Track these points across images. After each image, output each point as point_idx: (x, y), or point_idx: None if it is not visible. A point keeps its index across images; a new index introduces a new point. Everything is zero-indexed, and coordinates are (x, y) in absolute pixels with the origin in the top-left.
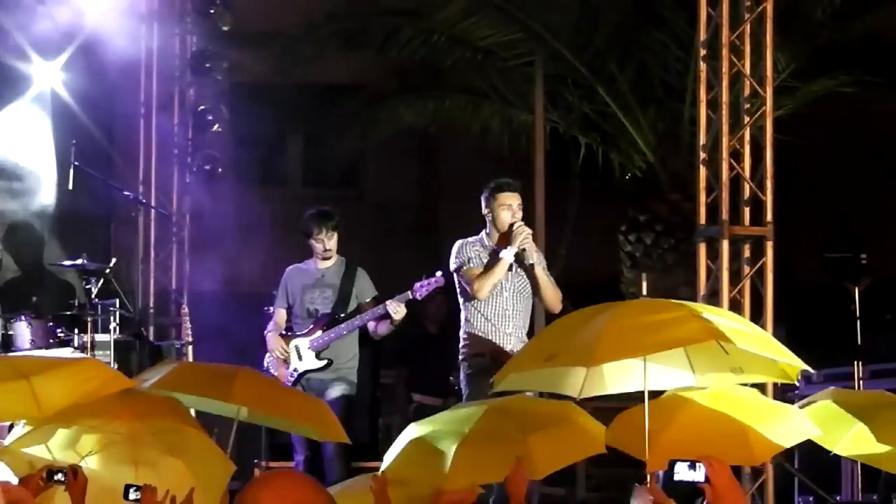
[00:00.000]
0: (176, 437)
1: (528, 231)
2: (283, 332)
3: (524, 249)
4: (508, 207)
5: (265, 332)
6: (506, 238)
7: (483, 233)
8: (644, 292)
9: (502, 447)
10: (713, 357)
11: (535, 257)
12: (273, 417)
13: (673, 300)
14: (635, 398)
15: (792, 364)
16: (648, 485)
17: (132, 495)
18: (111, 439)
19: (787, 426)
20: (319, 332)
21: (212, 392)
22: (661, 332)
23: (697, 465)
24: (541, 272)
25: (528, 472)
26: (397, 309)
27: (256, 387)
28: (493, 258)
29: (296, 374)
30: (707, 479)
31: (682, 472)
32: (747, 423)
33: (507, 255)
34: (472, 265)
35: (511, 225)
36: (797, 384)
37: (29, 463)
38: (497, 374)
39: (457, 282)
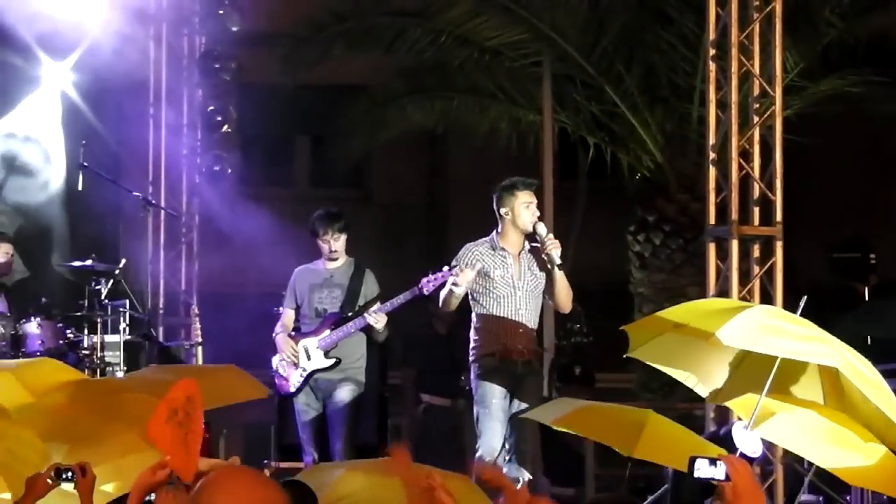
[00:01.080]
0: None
1: (559, 245)
2: (291, 333)
3: (549, 255)
4: (529, 206)
5: (274, 333)
6: (522, 238)
7: (494, 232)
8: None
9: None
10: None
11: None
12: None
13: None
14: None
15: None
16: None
17: (66, 475)
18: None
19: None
20: (327, 332)
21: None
22: (792, 340)
23: (718, 462)
24: (562, 275)
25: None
26: (378, 318)
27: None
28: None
29: (305, 374)
30: (727, 477)
31: (703, 469)
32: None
33: (456, 289)
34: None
35: (535, 227)
36: None
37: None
38: (630, 332)
39: None
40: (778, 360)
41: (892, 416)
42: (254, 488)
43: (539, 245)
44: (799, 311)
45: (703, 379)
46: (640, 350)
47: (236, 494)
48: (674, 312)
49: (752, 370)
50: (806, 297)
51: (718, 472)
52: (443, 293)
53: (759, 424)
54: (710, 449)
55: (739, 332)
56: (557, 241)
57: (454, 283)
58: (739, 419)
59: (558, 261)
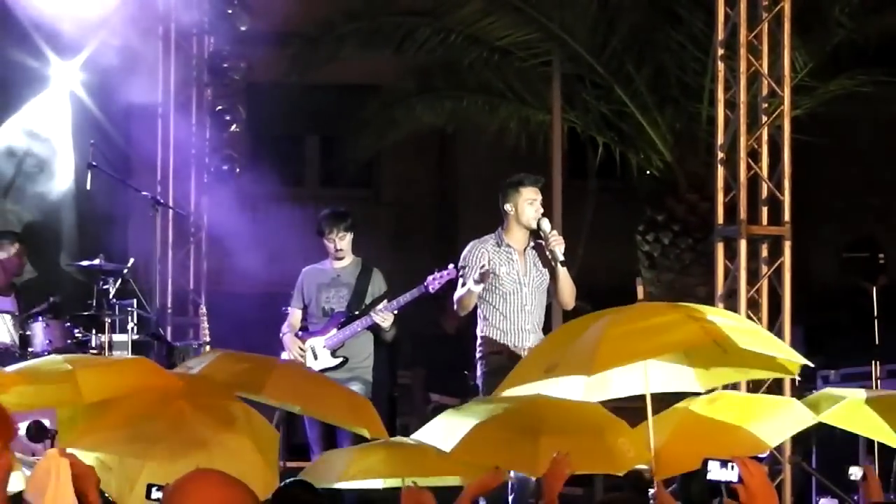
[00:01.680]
0: (223, 411)
1: (563, 241)
2: (299, 332)
3: (552, 251)
4: (533, 202)
5: (281, 332)
6: (527, 234)
7: (499, 229)
8: (640, 297)
9: (516, 437)
10: (712, 356)
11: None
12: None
13: (669, 303)
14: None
15: (791, 359)
16: (657, 490)
17: (154, 494)
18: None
19: (785, 418)
20: (334, 331)
21: (244, 387)
22: (659, 336)
23: (730, 464)
24: (565, 272)
25: (568, 468)
26: (384, 317)
27: (292, 381)
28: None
29: None
30: (741, 479)
31: (715, 471)
32: (743, 423)
33: (474, 287)
34: (469, 275)
35: (539, 223)
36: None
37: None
38: (497, 387)
39: None
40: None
41: (771, 350)
42: (221, 487)
43: (543, 243)
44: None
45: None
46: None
47: (205, 493)
48: (539, 357)
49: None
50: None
51: (731, 475)
52: (459, 292)
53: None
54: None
55: (610, 357)
56: (561, 238)
57: (475, 280)
58: None
59: (561, 257)
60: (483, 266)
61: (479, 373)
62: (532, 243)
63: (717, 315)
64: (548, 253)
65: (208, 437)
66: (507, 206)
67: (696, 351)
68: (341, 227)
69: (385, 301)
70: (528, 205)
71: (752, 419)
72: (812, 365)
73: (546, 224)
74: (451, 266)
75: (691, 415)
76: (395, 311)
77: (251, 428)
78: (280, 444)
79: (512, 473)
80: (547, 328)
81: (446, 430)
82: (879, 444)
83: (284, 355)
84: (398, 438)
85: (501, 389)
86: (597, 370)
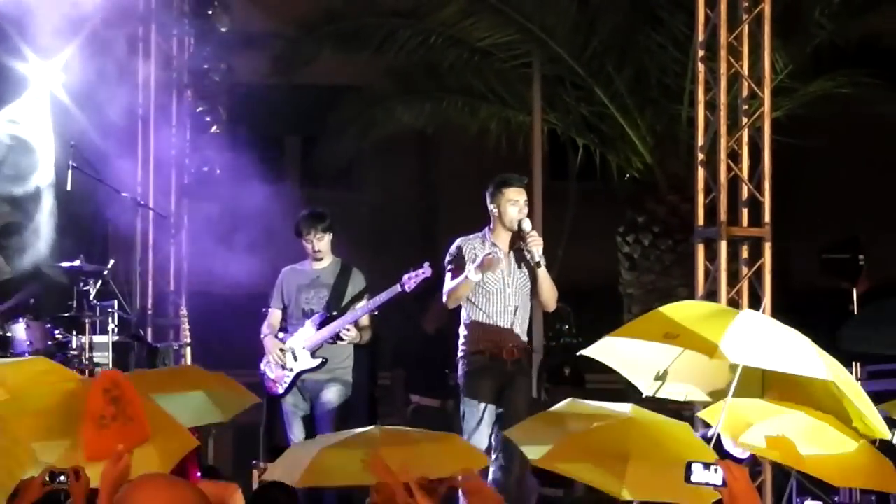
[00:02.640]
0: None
1: (541, 241)
2: (279, 334)
3: (530, 251)
4: (515, 203)
5: (261, 334)
6: (511, 235)
7: (486, 229)
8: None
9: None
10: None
11: (542, 258)
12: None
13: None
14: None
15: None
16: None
17: (60, 479)
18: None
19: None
20: (313, 332)
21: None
22: (788, 353)
23: (714, 467)
24: (544, 273)
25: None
26: (348, 334)
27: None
28: (465, 270)
29: (292, 375)
30: (724, 482)
31: (699, 474)
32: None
33: (473, 276)
34: (459, 266)
35: (520, 223)
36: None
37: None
38: (612, 333)
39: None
40: (740, 367)
41: (865, 410)
42: (169, 488)
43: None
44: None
45: (646, 376)
46: (599, 350)
47: (151, 494)
48: (654, 325)
49: (712, 373)
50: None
51: (715, 478)
52: (455, 281)
53: (737, 434)
54: (701, 449)
55: (737, 349)
56: (540, 239)
57: (476, 268)
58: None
59: (538, 258)
60: (489, 253)
61: (460, 372)
62: (518, 244)
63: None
64: (526, 253)
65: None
66: (492, 207)
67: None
68: (319, 227)
69: (363, 300)
70: (510, 205)
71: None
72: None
73: (527, 224)
74: (426, 265)
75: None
76: (375, 311)
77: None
78: (260, 445)
79: (490, 477)
80: (531, 330)
81: (538, 431)
82: None
83: (264, 359)
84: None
85: (613, 336)
86: (719, 356)
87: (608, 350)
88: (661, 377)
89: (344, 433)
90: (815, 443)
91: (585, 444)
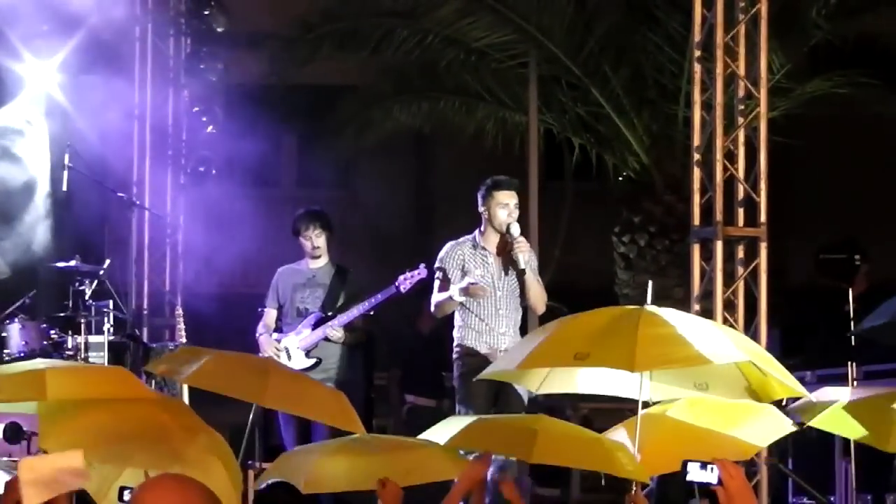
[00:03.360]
0: (200, 433)
1: (529, 248)
2: (274, 334)
3: (516, 257)
4: (506, 206)
5: (256, 333)
6: (502, 238)
7: (476, 231)
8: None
9: (514, 428)
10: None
11: (529, 262)
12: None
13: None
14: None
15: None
16: (634, 494)
17: (126, 496)
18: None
19: (764, 424)
20: (308, 331)
21: (245, 392)
22: (704, 344)
23: (710, 466)
24: (531, 276)
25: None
26: (335, 332)
27: (285, 385)
28: (448, 286)
29: None
30: (720, 481)
31: (694, 473)
32: (723, 428)
33: (457, 297)
34: (450, 276)
35: (509, 227)
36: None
37: None
38: (522, 361)
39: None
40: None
41: (783, 377)
42: (180, 490)
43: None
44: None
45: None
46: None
47: (163, 495)
48: (567, 341)
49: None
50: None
51: (711, 476)
52: (438, 297)
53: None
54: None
55: (654, 356)
56: (527, 245)
57: (460, 290)
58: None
59: (523, 264)
60: (474, 283)
61: (455, 374)
62: (508, 247)
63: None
64: (513, 257)
65: (187, 453)
66: (482, 209)
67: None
68: (318, 224)
69: (359, 301)
70: (500, 209)
71: (733, 425)
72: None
73: (515, 229)
74: (421, 266)
75: (669, 419)
76: (371, 312)
77: (221, 454)
78: (257, 446)
79: (489, 477)
80: (523, 331)
81: (445, 429)
82: (856, 443)
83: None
84: (370, 437)
85: (528, 368)
86: (639, 369)
87: (554, 384)
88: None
89: (334, 441)
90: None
91: (494, 425)
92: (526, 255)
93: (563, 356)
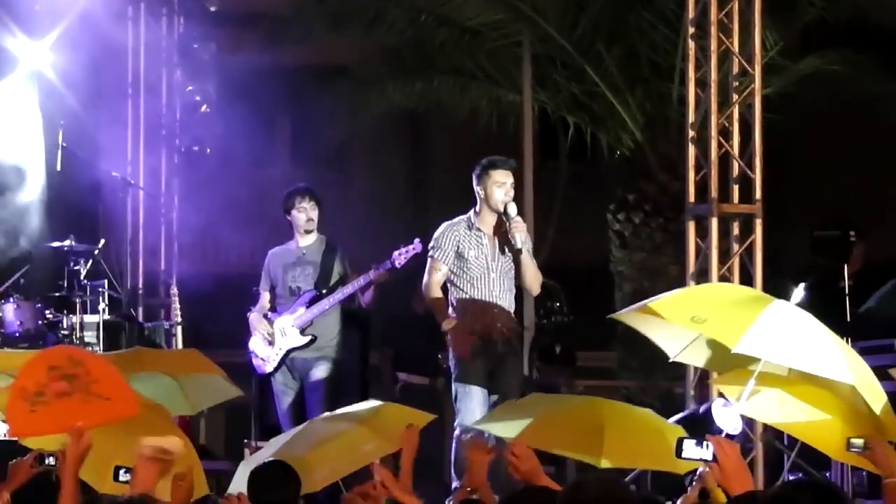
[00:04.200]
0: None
1: (525, 228)
2: (267, 313)
3: (513, 237)
4: (502, 185)
5: (249, 313)
6: (497, 218)
7: (472, 212)
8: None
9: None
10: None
11: (525, 243)
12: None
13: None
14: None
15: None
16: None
17: (122, 477)
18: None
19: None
20: (303, 310)
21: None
22: (810, 352)
23: (706, 443)
24: (527, 257)
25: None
26: (378, 276)
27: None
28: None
29: (281, 353)
30: (715, 458)
31: (690, 450)
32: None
33: (444, 326)
34: (441, 258)
35: (506, 207)
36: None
37: None
38: (647, 305)
39: None
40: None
41: (883, 415)
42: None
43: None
44: (795, 301)
45: (675, 342)
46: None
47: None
48: (679, 307)
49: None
50: (804, 285)
51: (706, 453)
52: (431, 289)
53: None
54: (671, 432)
55: (758, 343)
56: (524, 224)
57: (443, 328)
58: (721, 395)
59: (520, 244)
60: (450, 323)
61: (450, 354)
62: (503, 227)
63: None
64: (510, 237)
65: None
66: (478, 189)
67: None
68: (312, 197)
69: (352, 276)
70: (496, 188)
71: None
72: None
73: (512, 209)
74: (416, 241)
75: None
76: (365, 288)
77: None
78: (253, 425)
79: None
80: (519, 308)
81: (508, 417)
82: None
83: (252, 338)
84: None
85: (638, 311)
86: (740, 349)
87: (632, 317)
88: (690, 344)
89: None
90: (823, 415)
91: (560, 420)
92: (523, 234)
93: (682, 314)
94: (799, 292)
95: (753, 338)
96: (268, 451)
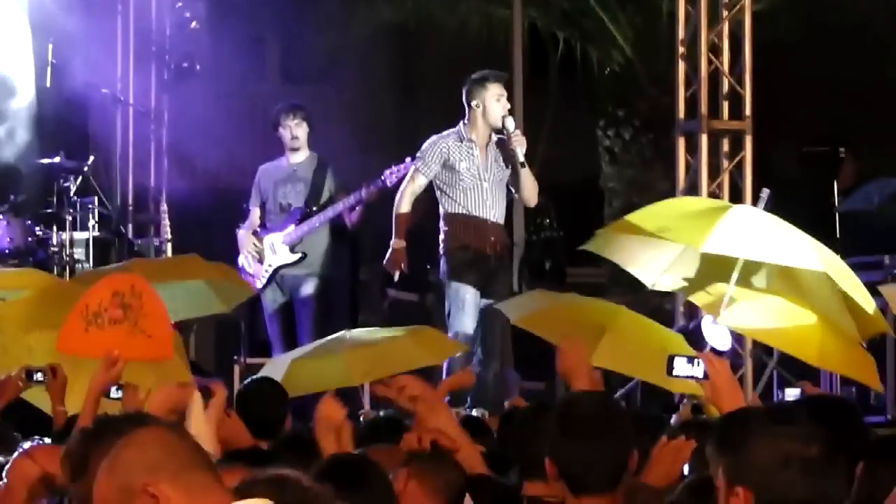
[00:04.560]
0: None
1: (524, 141)
2: (257, 229)
3: (514, 151)
4: (500, 99)
5: (237, 230)
6: (488, 130)
7: (461, 124)
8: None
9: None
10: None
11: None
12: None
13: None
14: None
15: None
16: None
17: (114, 394)
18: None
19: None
20: (292, 227)
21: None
22: (778, 244)
23: (696, 360)
24: (527, 171)
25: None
26: (370, 194)
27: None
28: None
29: (271, 270)
30: (706, 375)
31: (680, 367)
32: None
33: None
34: (423, 169)
35: (504, 121)
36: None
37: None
38: (605, 229)
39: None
40: (740, 262)
41: (867, 306)
42: (168, 444)
43: (505, 139)
44: (762, 206)
45: (660, 269)
46: (598, 245)
47: (146, 452)
48: (648, 219)
49: (713, 264)
50: (768, 191)
51: (697, 371)
52: (401, 208)
53: (724, 313)
54: (677, 343)
55: (725, 241)
56: (523, 138)
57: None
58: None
59: (521, 158)
60: (399, 266)
61: (443, 269)
62: (495, 139)
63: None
64: (510, 151)
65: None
66: (474, 102)
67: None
68: (298, 114)
69: (343, 194)
70: (495, 101)
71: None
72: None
73: (511, 123)
74: (408, 160)
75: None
76: (355, 206)
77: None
78: (242, 342)
79: (475, 369)
80: (508, 224)
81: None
82: None
83: (241, 255)
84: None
85: (613, 229)
86: (707, 248)
87: (605, 244)
88: (665, 270)
89: (312, 345)
90: (799, 322)
91: (568, 313)
92: (524, 148)
93: (647, 226)
94: (763, 198)
95: (719, 237)
96: (298, 352)
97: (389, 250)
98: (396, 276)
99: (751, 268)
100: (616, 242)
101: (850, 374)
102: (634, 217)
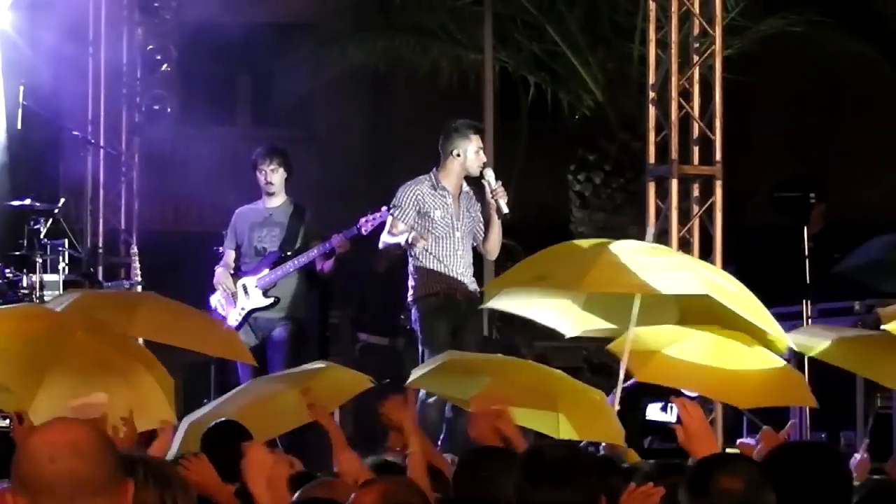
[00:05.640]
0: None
1: (505, 193)
2: (231, 272)
3: (497, 203)
4: (479, 151)
5: (216, 268)
6: (460, 178)
7: (433, 170)
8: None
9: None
10: (702, 311)
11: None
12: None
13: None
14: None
15: (780, 337)
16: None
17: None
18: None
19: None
20: (266, 271)
21: (112, 324)
22: (658, 274)
23: (669, 405)
24: (499, 224)
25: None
26: (343, 243)
27: (159, 316)
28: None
29: (244, 313)
30: (679, 420)
31: (654, 414)
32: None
33: (404, 243)
34: (400, 216)
35: (483, 172)
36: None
37: None
38: (487, 285)
39: None
40: (638, 297)
41: (762, 324)
42: (70, 432)
43: (485, 190)
44: (649, 239)
45: (565, 318)
46: (495, 300)
47: (52, 438)
48: (532, 265)
49: (614, 306)
50: (653, 224)
51: (669, 417)
52: (388, 239)
53: (646, 370)
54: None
55: (603, 279)
56: (504, 191)
57: (408, 242)
58: None
59: (505, 210)
60: (421, 236)
61: (414, 315)
62: (465, 188)
63: (716, 273)
64: (491, 201)
65: (109, 365)
66: (455, 151)
67: (689, 301)
68: (275, 160)
69: (319, 242)
70: (474, 153)
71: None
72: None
73: (490, 174)
74: (383, 209)
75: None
76: (327, 252)
77: (150, 365)
78: (211, 382)
79: (446, 415)
80: (478, 269)
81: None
82: (810, 382)
83: (215, 295)
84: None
85: (491, 289)
86: (585, 289)
87: (508, 303)
88: (576, 317)
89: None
90: (722, 362)
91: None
92: (506, 199)
93: (525, 277)
94: (649, 235)
95: (597, 276)
96: (205, 409)
97: (410, 235)
98: (422, 245)
99: (648, 302)
100: (516, 297)
101: (784, 402)
102: (509, 273)
